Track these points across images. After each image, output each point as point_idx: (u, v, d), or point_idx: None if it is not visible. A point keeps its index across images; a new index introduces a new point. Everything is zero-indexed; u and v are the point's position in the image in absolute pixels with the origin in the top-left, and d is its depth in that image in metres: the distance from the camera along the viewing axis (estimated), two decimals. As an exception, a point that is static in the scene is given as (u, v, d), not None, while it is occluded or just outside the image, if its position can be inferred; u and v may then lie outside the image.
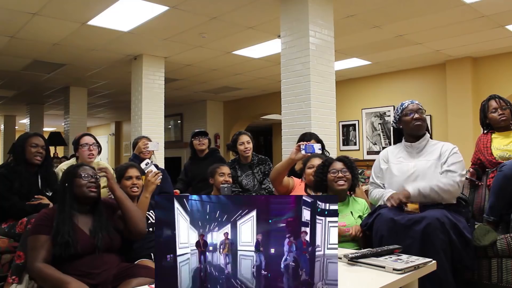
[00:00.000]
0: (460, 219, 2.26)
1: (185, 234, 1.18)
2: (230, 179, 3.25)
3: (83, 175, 2.06)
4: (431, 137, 2.61)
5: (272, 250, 1.16)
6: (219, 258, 1.18)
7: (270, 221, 1.16)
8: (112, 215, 2.16)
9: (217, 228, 1.18)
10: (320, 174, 2.56)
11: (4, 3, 4.31)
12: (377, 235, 2.28)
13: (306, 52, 4.00)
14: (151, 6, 4.45)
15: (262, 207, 1.17)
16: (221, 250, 1.18)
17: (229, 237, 1.17)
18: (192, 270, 1.19)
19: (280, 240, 1.16)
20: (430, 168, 2.42)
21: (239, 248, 1.18)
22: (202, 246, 1.18)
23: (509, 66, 6.34)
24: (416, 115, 2.50)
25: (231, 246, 1.18)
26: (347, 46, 5.98)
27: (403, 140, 2.63)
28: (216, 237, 1.18)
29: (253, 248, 1.17)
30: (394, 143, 2.75)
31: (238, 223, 1.17)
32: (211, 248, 1.18)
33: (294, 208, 1.17)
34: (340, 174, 2.50)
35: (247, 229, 1.17)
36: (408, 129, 2.56)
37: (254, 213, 1.16)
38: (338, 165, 2.54)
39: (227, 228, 1.18)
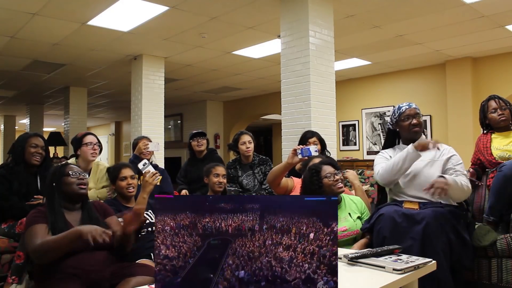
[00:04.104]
0: (458, 219, 2.26)
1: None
2: (225, 180, 3.20)
3: (71, 173, 2.08)
4: (426, 137, 2.61)
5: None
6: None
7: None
8: (102, 218, 2.15)
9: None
10: (316, 181, 2.42)
11: (4, 3, 4.31)
12: (379, 236, 2.28)
13: (306, 52, 4.00)
14: (151, 6, 4.45)
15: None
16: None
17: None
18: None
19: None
20: (426, 168, 2.43)
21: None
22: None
23: (509, 66, 6.34)
24: (414, 121, 2.51)
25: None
26: (347, 46, 5.98)
27: (400, 143, 2.63)
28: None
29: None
30: (386, 143, 2.74)
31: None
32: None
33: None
34: (337, 177, 2.45)
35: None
36: (406, 134, 2.57)
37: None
38: (330, 168, 2.46)
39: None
